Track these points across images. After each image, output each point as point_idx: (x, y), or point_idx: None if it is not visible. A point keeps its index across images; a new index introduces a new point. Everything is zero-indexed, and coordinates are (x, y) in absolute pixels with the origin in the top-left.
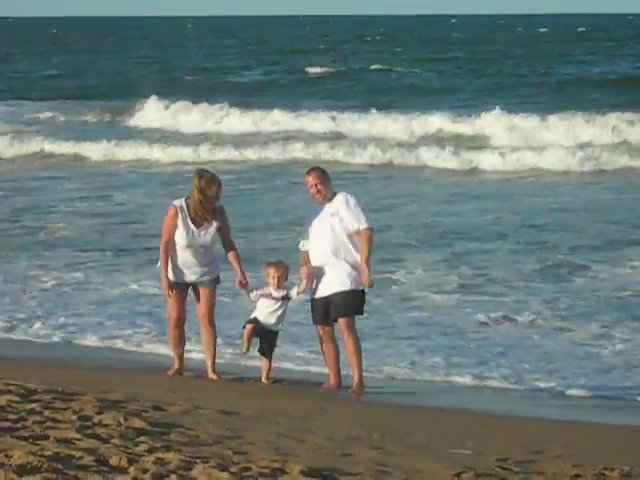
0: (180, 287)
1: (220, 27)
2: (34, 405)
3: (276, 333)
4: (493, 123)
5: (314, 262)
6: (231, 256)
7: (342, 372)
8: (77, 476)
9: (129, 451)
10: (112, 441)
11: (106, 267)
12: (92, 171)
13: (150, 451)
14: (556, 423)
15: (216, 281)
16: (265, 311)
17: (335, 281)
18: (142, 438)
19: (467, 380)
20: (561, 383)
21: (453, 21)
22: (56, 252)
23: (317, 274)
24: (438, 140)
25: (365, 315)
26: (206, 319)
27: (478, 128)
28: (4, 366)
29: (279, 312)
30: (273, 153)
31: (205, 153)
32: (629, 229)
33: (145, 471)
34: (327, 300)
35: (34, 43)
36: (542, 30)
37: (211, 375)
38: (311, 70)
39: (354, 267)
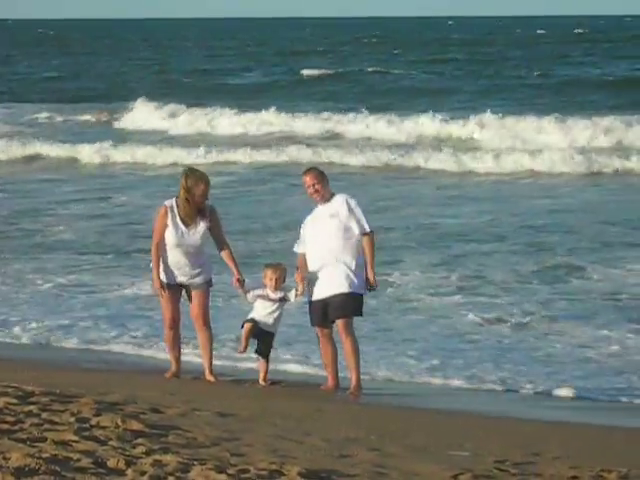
0: (172, 288)
1: (220, 29)
2: (32, 407)
3: (273, 335)
4: (491, 125)
5: (312, 264)
6: (225, 255)
7: (340, 374)
8: (75, 478)
9: (127, 453)
10: (110, 443)
11: (103, 269)
12: (87, 172)
13: (148, 453)
14: (554, 425)
15: (208, 283)
16: (262, 312)
17: (333, 283)
18: (140, 440)
19: (464, 382)
20: (558, 385)
21: (450, 23)
22: (53, 254)
23: (315, 276)
24: (435, 142)
25: (362, 317)
26: (200, 321)
27: (475, 130)
28: (1, 368)
29: (276, 314)
30: (270, 155)
31: (202, 155)
32: (626, 231)
33: (143, 473)
34: (325, 302)
35: (31, 44)
36: (540, 32)
37: (209, 377)
38: (309, 72)
39: (352, 269)
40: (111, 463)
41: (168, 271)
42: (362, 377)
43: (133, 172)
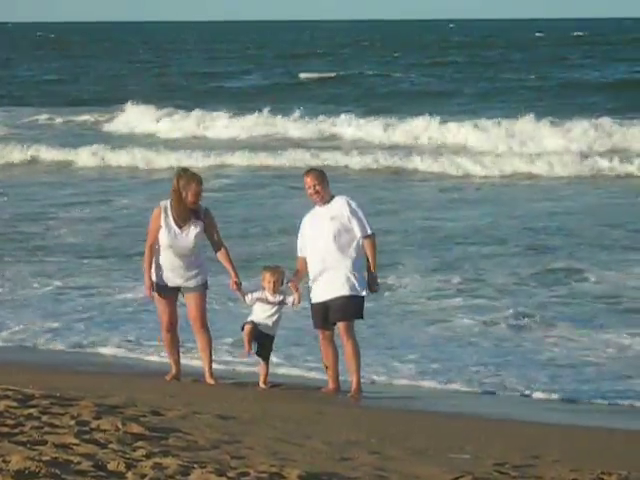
0: (168, 291)
1: (220, 32)
2: (32, 410)
3: (272, 337)
4: (490, 127)
5: (313, 267)
6: (221, 256)
7: (340, 377)
8: None
9: (127, 456)
10: (110, 446)
11: (103, 272)
12: (84, 175)
13: (148, 456)
14: (554, 427)
15: (204, 286)
16: (261, 315)
17: (335, 286)
18: (140, 443)
19: (464, 385)
20: (558, 387)
21: (452, 26)
22: (54, 258)
23: (316, 278)
24: (434, 145)
25: (361, 320)
26: (198, 323)
27: (474, 132)
28: (1, 372)
29: (275, 317)
30: (269, 158)
31: (200, 158)
32: (625, 234)
33: (143, 476)
34: (326, 305)
35: (31, 47)
36: (539, 34)
37: (209, 380)
38: (308, 75)
39: (353, 272)
40: (111, 466)
41: (162, 273)
42: (362, 380)
43: (133, 175)
